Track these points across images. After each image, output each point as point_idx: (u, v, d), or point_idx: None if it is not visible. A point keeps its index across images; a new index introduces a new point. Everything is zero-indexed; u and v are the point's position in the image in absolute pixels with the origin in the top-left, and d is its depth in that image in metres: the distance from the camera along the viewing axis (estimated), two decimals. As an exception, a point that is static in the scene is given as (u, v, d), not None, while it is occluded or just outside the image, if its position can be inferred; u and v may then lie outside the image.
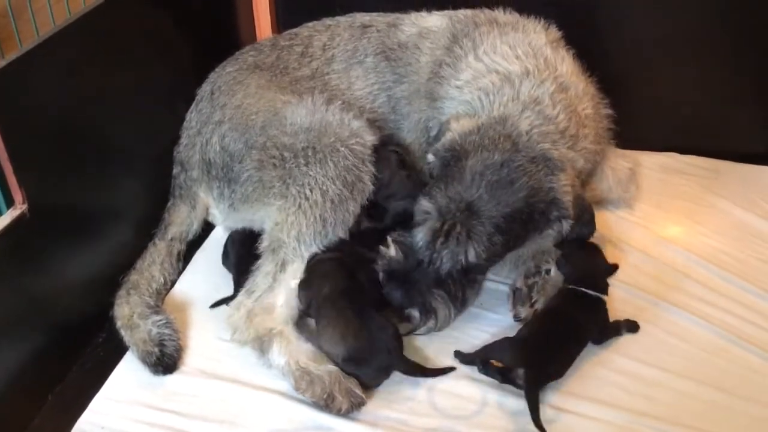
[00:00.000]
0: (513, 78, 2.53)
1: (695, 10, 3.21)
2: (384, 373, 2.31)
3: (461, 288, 2.40)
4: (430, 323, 2.41)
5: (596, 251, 2.58)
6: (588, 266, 2.52)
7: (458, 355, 2.37)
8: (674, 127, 3.45)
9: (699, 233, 2.97)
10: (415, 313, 2.38)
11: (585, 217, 2.41)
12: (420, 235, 2.34)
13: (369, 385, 2.31)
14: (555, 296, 2.49)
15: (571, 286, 2.47)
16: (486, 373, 2.31)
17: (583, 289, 2.45)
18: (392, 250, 2.44)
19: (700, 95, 3.36)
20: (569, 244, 2.46)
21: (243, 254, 2.68)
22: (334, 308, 2.36)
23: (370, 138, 2.63)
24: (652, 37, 3.29)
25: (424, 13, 2.98)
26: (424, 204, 2.35)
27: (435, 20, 2.92)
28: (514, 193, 2.28)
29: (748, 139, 3.46)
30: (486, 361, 2.31)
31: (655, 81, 3.35)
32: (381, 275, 2.44)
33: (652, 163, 3.36)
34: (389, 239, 2.48)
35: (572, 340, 2.36)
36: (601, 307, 2.46)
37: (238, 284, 2.58)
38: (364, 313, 2.33)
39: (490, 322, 2.56)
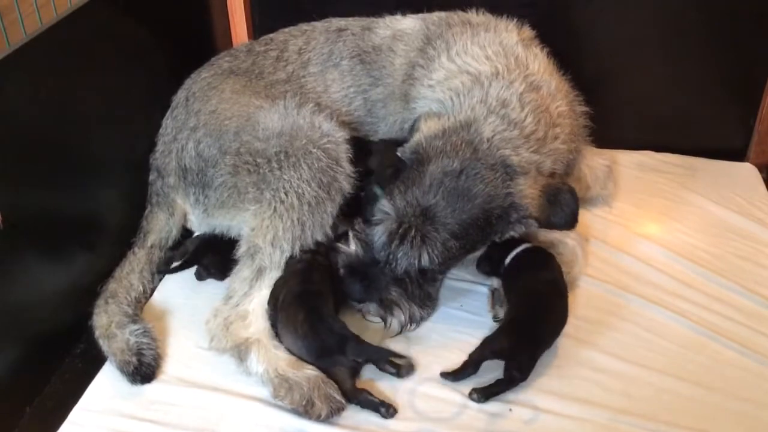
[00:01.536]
0: (482, 79, 2.55)
1: (669, 9, 3.23)
2: (352, 371, 2.31)
3: (419, 286, 2.44)
4: (402, 320, 2.44)
5: None
6: (494, 245, 2.57)
7: (447, 376, 2.31)
8: (649, 126, 3.48)
9: (676, 230, 2.99)
10: (373, 307, 2.43)
11: (564, 197, 2.39)
12: (378, 235, 2.37)
13: (350, 398, 2.28)
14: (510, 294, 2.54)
15: (508, 268, 2.55)
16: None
17: (513, 255, 2.53)
18: (352, 245, 2.48)
19: (674, 93, 3.39)
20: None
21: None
22: (287, 313, 2.38)
23: (341, 134, 2.62)
24: (627, 36, 3.31)
25: (398, 17, 2.98)
26: (384, 204, 2.38)
27: (409, 23, 2.92)
28: (470, 200, 2.31)
29: (723, 135, 3.49)
30: (479, 363, 2.29)
31: (630, 80, 3.38)
32: (341, 270, 2.47)
33: (629, 161, 3.38)
34: (350, 234, 2.51)
35: (549, 298, 2.44)
36: (533, 248, 2.59)
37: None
38: (314, 316, 2.34)
39: (469, 324, 2.55)
